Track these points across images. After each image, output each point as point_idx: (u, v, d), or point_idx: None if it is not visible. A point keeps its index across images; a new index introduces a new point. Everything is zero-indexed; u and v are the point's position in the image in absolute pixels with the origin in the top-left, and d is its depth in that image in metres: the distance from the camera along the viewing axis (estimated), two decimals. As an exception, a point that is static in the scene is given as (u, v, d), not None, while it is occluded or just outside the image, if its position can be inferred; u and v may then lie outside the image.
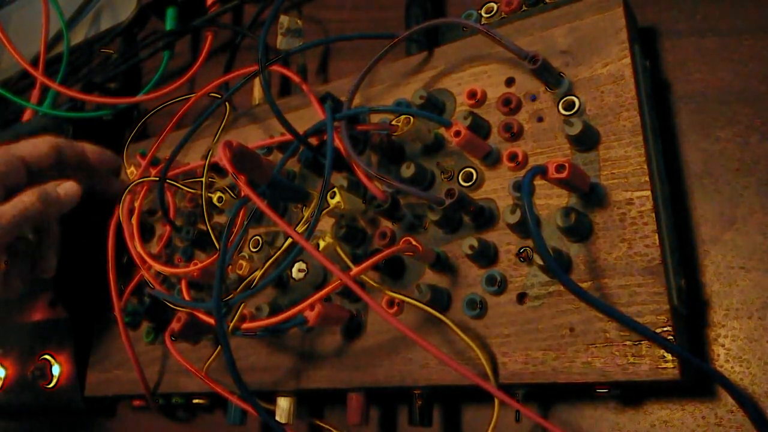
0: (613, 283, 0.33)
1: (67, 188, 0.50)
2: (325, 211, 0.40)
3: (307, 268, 0.44)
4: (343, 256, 0.40)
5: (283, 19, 0.50)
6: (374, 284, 0.39)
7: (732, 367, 0.34)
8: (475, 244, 0.36)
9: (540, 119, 0.38)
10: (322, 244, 0.39)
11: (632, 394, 0.36)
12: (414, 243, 0.36)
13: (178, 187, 0.51)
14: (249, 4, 0.64)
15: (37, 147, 0.51)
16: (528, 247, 0.37)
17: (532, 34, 0.40)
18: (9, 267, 0.51)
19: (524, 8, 0.43)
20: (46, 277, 0.53)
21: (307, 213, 0.42)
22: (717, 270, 0.36)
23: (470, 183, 0.39)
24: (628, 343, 0.32)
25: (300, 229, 0.40)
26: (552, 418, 0.38)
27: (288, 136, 0.44)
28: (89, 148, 0.54)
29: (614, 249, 0.34)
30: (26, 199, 0.47)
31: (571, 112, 0.37)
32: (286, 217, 0.47)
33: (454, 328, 0.36)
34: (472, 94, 0.41)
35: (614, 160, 0.35)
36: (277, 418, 0.43)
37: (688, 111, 0.39)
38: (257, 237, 0.48)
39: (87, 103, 0.65)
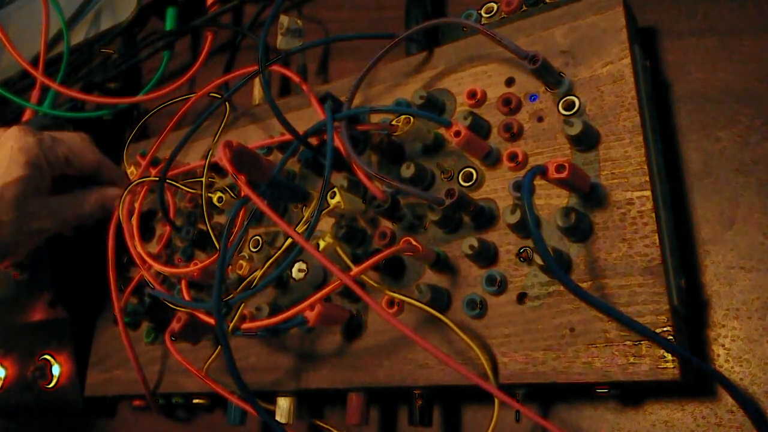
0: (613, 283, 0.33)
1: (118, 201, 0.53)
2: (325, 211, 0.40)
3: (307, 268, 0.44)
4: (343, 256, 0.40)
5: (283, 19, 0.50)
6: (374, 284, 0.39)
7: (732, 367, 0.34)
8: (475, 244, 0.36)
9: (540, 119, 0.38)
10: (322, 244, 0.39)
11: (632, 394, 0.36)
12: (414, 243, 0.36)
13: (178, 187, 0.51)
14: (249, 4, 0.64)
15: (83, 156, 0.53)
16: (528, 247, 0.37)
17: (532, 34, 0.40)
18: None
19: (524, 8, 0.43)
20: None
21: (307, 213, 0.42)
22: (717, 270, 0.36)
23: (470, 183, 0.39)
24: (628, 343, 0.32)
25: (300, 229, 0.40)
26: (552, 418, 0.38)
27: (288, 136, 0.44)
28: (120, 177, 0.56)
29: (614, 249, 0.34)
30: (87, 205, 0.52)
31: (571, 112, 0.37)
32: (286, 217, 0.47)
33: (454, 328, 0.36)
34: (472, 94, 0.41)
35: (614, 160, 0.35)
36: (277, 418, 0.43)
37: (688, 111, 0.39)
38: (257, 237, 0.48)
39: (87, 103, 0.65)
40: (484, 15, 0.44)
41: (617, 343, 0.32)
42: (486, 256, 0.37)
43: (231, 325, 0.41)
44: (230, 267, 0.46)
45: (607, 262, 0.34)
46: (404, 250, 0.36)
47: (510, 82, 0.40)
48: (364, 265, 0.35)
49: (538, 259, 0.33)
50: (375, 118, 0.44)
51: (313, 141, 0.43)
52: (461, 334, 0.36)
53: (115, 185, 0.55)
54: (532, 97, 0.39)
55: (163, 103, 0.58)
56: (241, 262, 0.46)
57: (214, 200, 0.50)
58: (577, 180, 0.33)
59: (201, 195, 0.48)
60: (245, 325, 0.40)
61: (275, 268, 0.39)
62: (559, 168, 0.32)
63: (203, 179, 0.48)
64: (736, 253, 0.36)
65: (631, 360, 0.32)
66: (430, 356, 0.37)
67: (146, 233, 0.55)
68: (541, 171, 0.32)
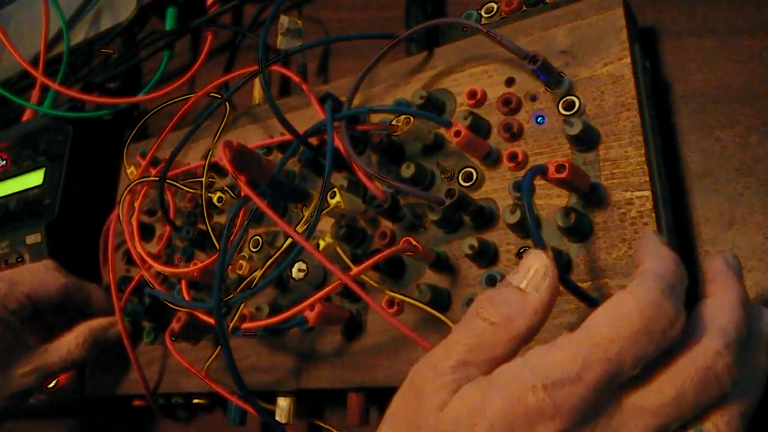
0: (613, 283, 0.33)
1: (117, 332, 0.50)
2: (325, 211, 0.40)
3: (307, 268, 0.44)
4: (343, 256, 0.40)
5: (283, 19, 0.50)
6: (374, 284, 0.39)
7: (732, 367, 0.34)
8: (475, 244, 0.36)
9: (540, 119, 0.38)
10: (322, 244, 0.39)
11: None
12: (414, 243, 0.36)
13: (178, 187, 0.51)
14: (249, 4, 0.64)
15: (46, 287, 0.49)
16: (528, 247, 0.37)
17: (532, 34, 0.40)
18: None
19: (524, 8, 0.43)
20: None
21: (307, 213, 0.42)
22: (717, 270, 0.36)
23: (470, 183, 0.39)
24: (628, 343, 0.32)
25: (300, 229, 0.40)
26: (552, 418, 0.38)
27: (288, 136, 0.44)
28: (95, 294, 0.52)
29: (614, 249, 0.34)
30: (74, 345, 0.48)
31: (571, 112, 0.37)
32: (286, 217, 0.47)
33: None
34: (472, 94, 0.41)
35: (614, 160, 0.35)
36: (277, 418, 0.43)
37: (688, 111, 0.39)
38: (257, 237, 0.48)
39: (87, 103, 0.65)
40: (484, 15, 0.44)
41: (617, 343, 0.32)
42: (486, 256, 0.37)
43: (231, 325, 0.41)
44: (230, 267, 0.46)
45: (607, 262, 0.34)
46: (404, 250, 0.36)
47: (510, 82, 0.40)
48: (364, 265, 0.35)
49: (538, 259, 0.33)
50: (375, 118, 0.44)
51: (313, 141, 0.43)
52: (461, 334, 0.35)
53: (98, 309, 0.51)
54: (533, 98, 0.39)
55: (163, 103, 0.58)
56: (241, 262, 0.46)
57: (214, 200, 0.50)
58: (577, 180, 0.33)
59: (201, 195, 0.48)
60: (245, 325, 0.40)
61: (275, 268, 0.39)
62: (559, 168, 0.32)
63: (203, 179, 0.48)
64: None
65: (631, 360, 0.32)
66: (430, 356, 0.37)
67: (146, 233, 0.55)
68: (541, 171, 0.32)
